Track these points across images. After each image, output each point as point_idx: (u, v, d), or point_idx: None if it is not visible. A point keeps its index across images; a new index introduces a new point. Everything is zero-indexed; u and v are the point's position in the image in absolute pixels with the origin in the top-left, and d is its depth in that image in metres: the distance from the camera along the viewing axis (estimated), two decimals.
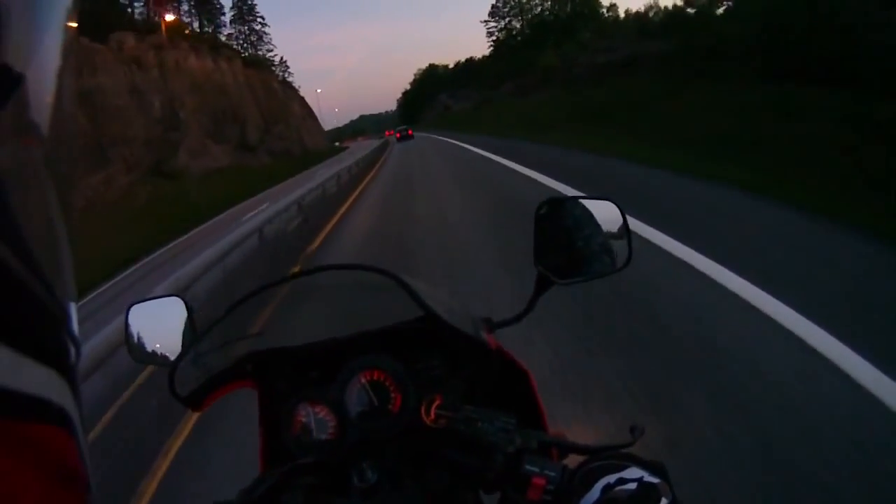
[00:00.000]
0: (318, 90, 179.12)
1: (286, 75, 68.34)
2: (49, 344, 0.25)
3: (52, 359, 0.25)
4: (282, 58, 72.28)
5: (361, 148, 40.66)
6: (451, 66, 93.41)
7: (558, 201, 0.94)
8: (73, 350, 0.27)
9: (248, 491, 0.73)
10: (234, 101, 41.77)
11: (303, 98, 68.66)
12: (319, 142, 66.03)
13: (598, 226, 0.92)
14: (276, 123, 48.82)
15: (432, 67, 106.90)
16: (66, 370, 0.26)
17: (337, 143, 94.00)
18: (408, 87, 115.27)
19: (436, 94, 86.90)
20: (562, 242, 0.93)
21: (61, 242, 0.28)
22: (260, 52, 61.82)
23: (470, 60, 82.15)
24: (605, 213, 0.93)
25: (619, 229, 0.92)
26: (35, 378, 0.23)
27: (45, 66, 0.25)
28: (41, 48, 0.25)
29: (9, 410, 0.21)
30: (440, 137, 35.21)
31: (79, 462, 0.26)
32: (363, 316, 0.98)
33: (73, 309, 0.28)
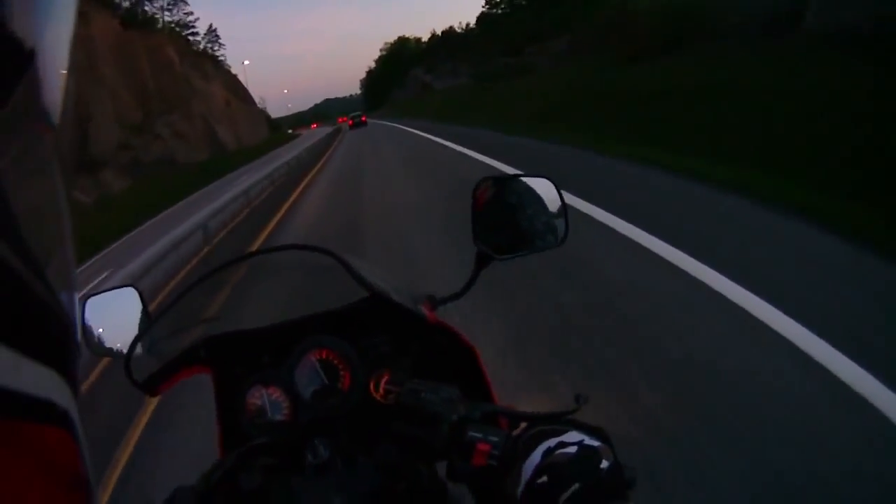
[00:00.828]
0: (246, 62, 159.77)
1: (213, 48, 53.81)
2: (50, 344, 0.25)
3: (52, 359, 0.24)
4: (211, 25, 57.63)
5: (301, 142, 35.02)
6: (426, 38, 78.94)
7: (499, 180, 0.97)
8: (74, 350, 0.27)
9: (207, 475, 0.75)
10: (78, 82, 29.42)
11: (235, 77, 54.86)
12: (255, 134, 51.81)
13: (541, 203, 0.96)
14: (167, 113, 32.88)
15: (403, 41, 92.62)
16: (66, 370, 0.25)
17: (290, 130, 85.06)
18: (372, 65, 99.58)
19: (408, 70, 73.47)
20: (504, 220, 0.96)
21: (62, 242, 0.27)
22: (174, 18, 46.64)
23: (449, 32, 69.69)
24: (543, 191, 0.96)
25: (556, 207, 0.96)
26: (36, 378, 0.23)
27: (45, 63, 0.25)
28: (41, 47, 0.24)
29: (9, 411, 0.21)
30: (410, 133, 22.34)
31: (79, 462, 0.26)
32: (311, 297, 1.00)
33: (74, 309, 0.28)
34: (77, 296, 0.29)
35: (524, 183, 0.97)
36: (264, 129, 58.78)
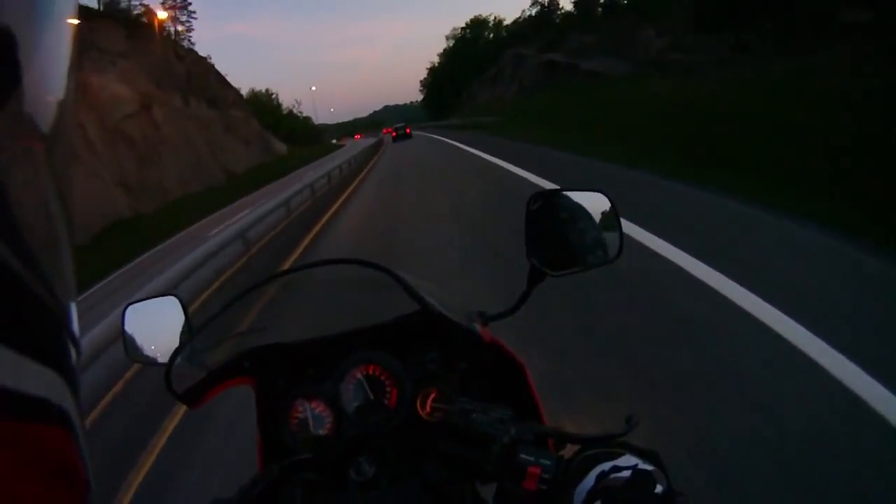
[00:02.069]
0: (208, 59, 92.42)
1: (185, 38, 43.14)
2: (49, 344, 0.25)
3: (52, 359, 0.24)
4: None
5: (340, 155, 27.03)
6: (510, 21, 58.62)
7: (550, 194, 0.95)
8: (73, 350, 0.27)
9: (246, 488, 0.73)
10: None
11: (224, 79, 39.25)
12: (247, 158, 35.28)
13: (591, 219, 0.93)
14: None
15: (478, 23, 67.60)
16: (66, 370, 0.26)
17: (334, 141, 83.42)
18: (436, 59, 72.46)
19: (495, 57, 50.87)
20: (555, 235, 0.94)
21: (61, 242, 0.27)
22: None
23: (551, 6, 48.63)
24: (596, 204, 0.94)
25: (610, 221, 0.93)
26: (35, 378, 0.23)
27: (45, 65, 0.25)
28: (41, 47, 0.25)
29: (9, 410, 0.21)
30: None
31: (79, 462, 0.26)
32: (358, 310, 0.98)
33: (73, 309, 0.28)
34: (75, 296, 0.29)
35: (574, 197, 0.95)
36: (265, 151, 40.33)
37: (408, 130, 40.40)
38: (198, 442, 3.09)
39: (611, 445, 0.66)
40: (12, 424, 0.21)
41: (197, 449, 3.04)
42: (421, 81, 79.34)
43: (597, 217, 0.93)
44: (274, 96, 65.97)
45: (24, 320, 0.23)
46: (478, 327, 0.87)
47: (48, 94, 0.26)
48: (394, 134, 40.37)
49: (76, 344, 0.28)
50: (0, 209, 0.21)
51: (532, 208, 0.91)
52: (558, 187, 0.97)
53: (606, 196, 0.93)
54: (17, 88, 0.22)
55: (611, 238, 0.93)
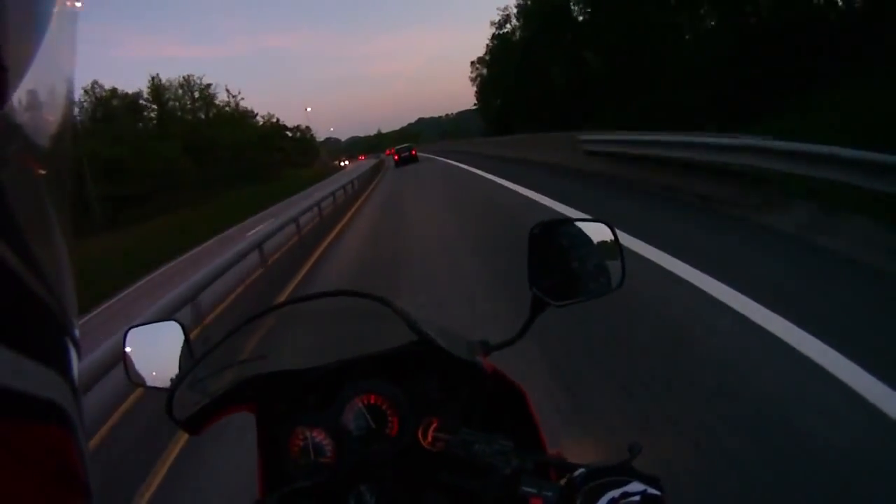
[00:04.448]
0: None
1: None
2: (50, 345, 0.25)
3: (52, 359, 0.24)
4: None
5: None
6: None
7: (552, 223, 0.96)
8: (73, 351, 0.27)
9: None
10: None
11: None
12: None
13: (593, 248, 0.94)
14: None
15: None
16: (66, 371, 0.26)
17: (338, 162, 77.98)
18: (487, 43, 44.78)
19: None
20: (556, 264, 0.94)
21: (62, 245, 0.28)
22: None
23: None
24: (598, 234, 0.94)
25: (612, 250, 0.94)
26: (35, 378, 0.23)
27: (45, 70, 0.25)
28: (41, 52, 0.25)
29: (9, 410, 0.21)
30: None
31: (79, 463, 0.26)
32: (357, 341, 0.98)
33: (73, 310, 0.28)
34: (75, 296, 0.29)
35: (577, 227, 0.96)
36: None
37: (413, 152, 33.46)
38: (197, 472, 3.05)
39: (615, 474, 0.65)
40: (12, 424, 0.21)
41: (197, 476, 3.00)
42: (471, 78, 48.60)
43: (599, 247, 0.94)
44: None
45: (25, 320, 0.23)
46: (479, 358, 0.87)
47: (48, 96, 0.26)
48: (396, 157, 33.49)
49: (76, 344, 0.28)
50: (0, 210, 0.22)
51: (534, 235, 0.92)
52: (562, 217, 0.95)
53: (609, 226, 0.94)
54: (16, 92, 0.23)
55: (613, 267, 0.94)
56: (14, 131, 0.23)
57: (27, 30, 0.24)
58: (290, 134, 77.01)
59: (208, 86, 60.34)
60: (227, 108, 61.70)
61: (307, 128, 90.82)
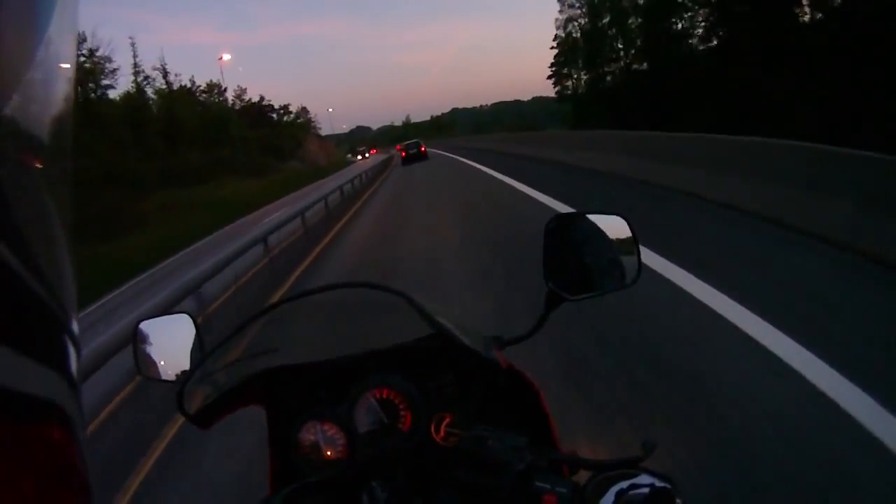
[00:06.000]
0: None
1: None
2: (50, 345, 0.25)
3: (52, 360, 0.25)
4: None
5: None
6: None
7: (568, 217, 0.94)
8: (73, 351, 0.27)
9: None
10: None
11: None
12: None
13: (607, 241, 0.92)
14: None
15: None
16: (66, 371, 0.26)
17: (357, 156, 65.09)
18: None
19: None
20: (571, 258, 0.93)
21: (61, 244, 0.28)
22: None
23: None
24: (615, 229, 0.93)
25: (628, 245, 0.92)
26: (36, 378, 0.23)
27: (45, 71, 0.25)
28: (41, 53, 0.25)
29: (9, 410, 0.21)
30: None
31: (79, 462, 0.26)
32: (370, 335, 0.97)
33: (73, 310, 0.28)
34: (75, 296, 0.29)
35: (592, 220, 0.94)
36: None
37: (422, 149, 30.82)
38: (203, 463, 3.06)
39: (627, 469, 0.65)
40: (12, 424, 0.21)
41: (205, 470, 3.01)
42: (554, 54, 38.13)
43: (616, 241, 0.92)
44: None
45: (25, 320, 0.23)
46: (494, 353, 0.86)
47: (48, 98, 0.26)
48: (403, 154, 30.98)
49: (76, 344, 0.28)
50: (0, 210, 0.22)
51: (550, 230, 0.90)
52: (576, 211, 0.96)
53: (626, 220, 0.92)
54: (16, 92, 0.23)
55: (629, 263, 0.92)
56: (14, 131, 0.23)
57: (27, 30, 0.24)
58: (274, 117, 56.38)
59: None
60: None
61: (303, 109, 72.17)
